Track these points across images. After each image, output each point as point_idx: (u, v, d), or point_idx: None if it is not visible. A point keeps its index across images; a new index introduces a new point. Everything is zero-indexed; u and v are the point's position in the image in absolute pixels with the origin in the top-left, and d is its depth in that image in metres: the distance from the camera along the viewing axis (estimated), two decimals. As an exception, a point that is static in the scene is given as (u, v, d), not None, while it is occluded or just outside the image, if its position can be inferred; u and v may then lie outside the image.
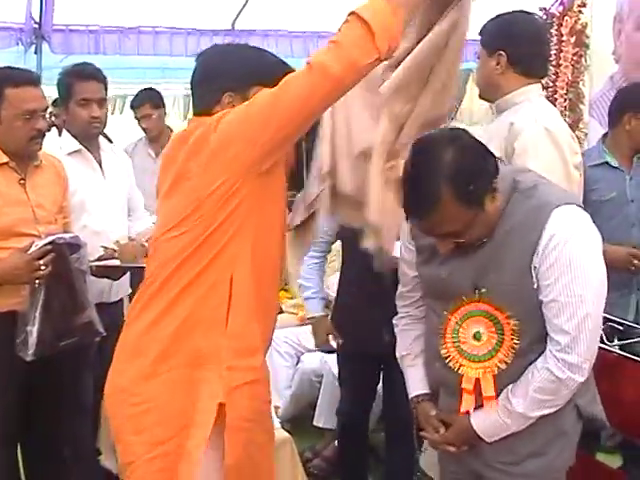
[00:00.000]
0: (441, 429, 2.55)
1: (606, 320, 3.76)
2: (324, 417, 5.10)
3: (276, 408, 4.96)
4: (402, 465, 4.17)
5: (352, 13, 2.29)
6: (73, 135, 3.94)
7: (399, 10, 2.28)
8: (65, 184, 3.61)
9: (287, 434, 3.97)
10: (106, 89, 4.00)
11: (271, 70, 2.51)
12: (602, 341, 3.64)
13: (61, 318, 3.24)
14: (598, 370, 3.14)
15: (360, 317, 3.99)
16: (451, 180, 2.24)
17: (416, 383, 2.70)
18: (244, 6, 7.78)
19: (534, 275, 2.33)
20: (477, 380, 2.44)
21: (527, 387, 2.38)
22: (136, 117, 6.53)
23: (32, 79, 3.40)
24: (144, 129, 6.49)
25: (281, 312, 6.01)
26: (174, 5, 7.40)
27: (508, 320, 2.38)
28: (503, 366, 2.41)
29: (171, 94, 16.39)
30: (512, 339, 2.39)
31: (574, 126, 8.72)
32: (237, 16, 7.90)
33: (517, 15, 3.36)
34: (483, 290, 2.39)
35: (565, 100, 8.76)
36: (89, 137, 3.95)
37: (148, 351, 2.41)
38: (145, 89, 6.59)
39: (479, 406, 2.46)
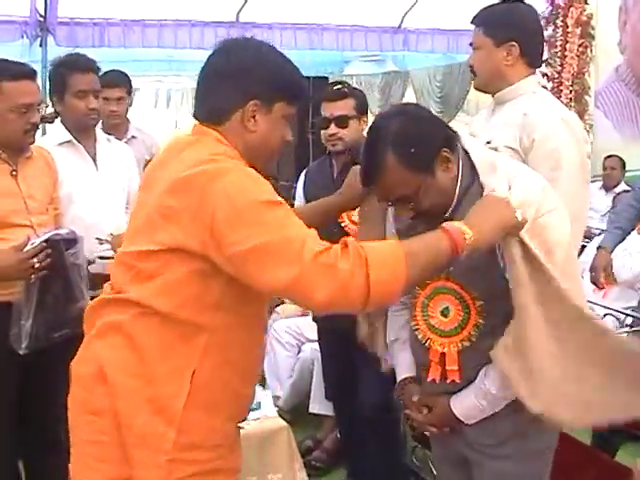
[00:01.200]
0: (424, 411, 2.59)
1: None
2: (318, 403, 5.13)
3: (276, 398, 4.99)
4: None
5: (363, 253, 2.03)
6: (66, 127, 3.94)
7: (413, 272, 2.09)
8: (55, 175, 3.62)
9: (284, 422, 3.99)
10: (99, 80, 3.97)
11: (299, 89, 2.38)
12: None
13: (54, 311, 3.26)
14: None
15: None
16: (393, 145, 2.30)
17: (403, 367, 2.73)
18: (248, -2, 7.83)
19: (499, 254, 2.36)
20: (443, 354, 2.51)
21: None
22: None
23: (29, 73, 3.39)
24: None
25: (282, 303, 6.04)
26: (178, -3, 7.46)
27: (474, 301, 2.43)
28: (467, 343, 2.46)
29: (180, 87, 16.50)
30: (477, 318, 2.44)
31: (580, 117, 8.71)
32: (241, 8, 7.93)
33: (520, 5, 3.35)
34: (451, 269, 2.42)
35: (571, 91, 8.77)
36: (85, 129, 3.95)
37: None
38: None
39: (458, 390, 2.50)
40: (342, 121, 4.02)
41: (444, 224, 2.18)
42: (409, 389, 2.67)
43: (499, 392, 2.42)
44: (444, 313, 2.48)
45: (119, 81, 5.34)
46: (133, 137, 5.46)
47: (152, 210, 2.21)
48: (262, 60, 2.30)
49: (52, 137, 3.69)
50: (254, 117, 2.27)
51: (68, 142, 3.88)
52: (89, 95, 3.81)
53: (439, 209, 2.42)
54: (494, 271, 2.37)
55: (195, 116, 2.36)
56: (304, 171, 4.49)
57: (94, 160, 3.97)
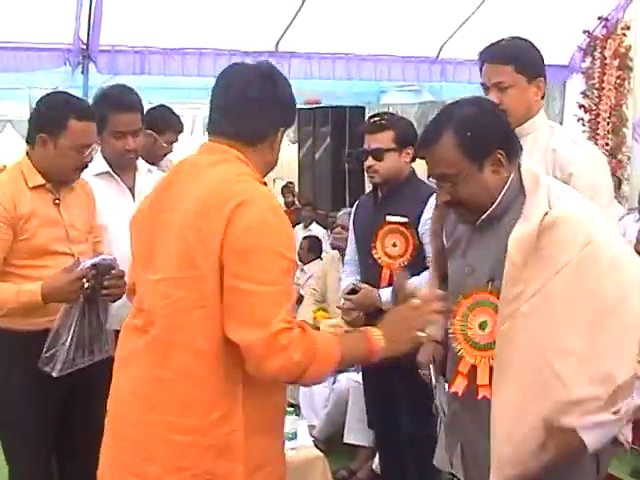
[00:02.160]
0: None
1: None
2: (353, 433, 5.12)
3: (311, 427, 4.99)
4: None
5: (313, 349, 2.24)
6: (105, 158, 3.92)
7: (339, 368, 2.40)
8: (93, 204, 3.64)
9: (319, 452, 4.00)
10: (142, 116, 3.92)
11: (293, 112, 2.58)
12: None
13: (89, 336, 3.30)
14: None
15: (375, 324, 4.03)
16: (454, 124, 2.45)
17: None
18: (288, 28, 7.87)
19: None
20: (473, 367, 2.50)
21: None
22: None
23: (92, 114, 3.44)
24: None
25: (318, 329, 6.04)
26: (218, 26, 7.50)
27: None
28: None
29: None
30: None
31: (617, 149, 8.68)
32: (280, 38, 7.98)
33: (526, 39, 3.41)
34: (495, 282, 2.44)
35: (608, 123, 8.73)
36: (123, 166, 3.91)
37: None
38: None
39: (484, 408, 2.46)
40: (377, 154, 4.07)
41: (367, 330, 2.40)
42: None
43: None
44: (482, 326, 2.48)
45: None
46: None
47: (185, 233, 2.30)
48: (284, 86, 2.51)
49: (90, 167, 3.66)
50: (276, 140, 2.51)
51: (106, 173, 3.86)
52: (127, 136, 3.77)
53: (475, 207, 2.50)
54: None
55: (218, 132, 2.47)
56: (358, 200, 4.55)
57: (132, 191, 3.93)
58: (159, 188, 2.55)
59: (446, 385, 2.72)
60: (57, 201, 3.43)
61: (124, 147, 3.77)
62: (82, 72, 7.31)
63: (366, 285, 4.11)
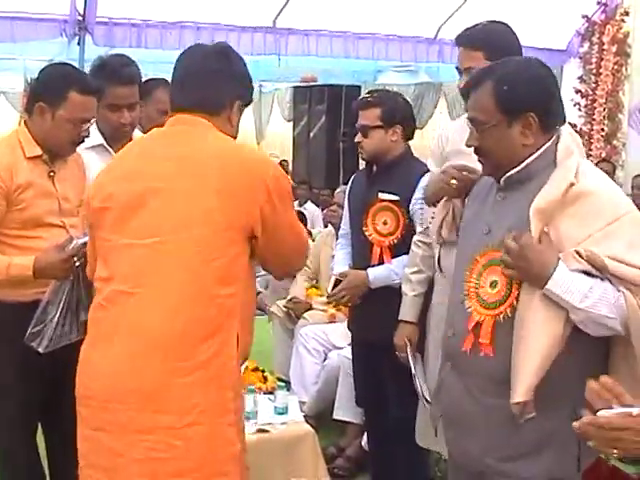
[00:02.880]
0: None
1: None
2: (343, 409, 5.13)
3: (301, 403, 5.00)
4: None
5: None
6: (100, 131, 3.87)
7: None
8: (85, 178, 3.62)
9: (309, 427, 4.00)
10: (140, 89, 3.83)
11: (249, 88, 2.79)
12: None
13: (77, 313, 3.30)
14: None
15: (367, 305, 4.08)
16: (497, 75, 2.50)
17: None
18: (286, 4, 7.85)
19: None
20: (477, 324, 2.50)
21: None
22: None
23: (95, 89, 3.39)
24: None
25: (310, 309, 6.05)
26: (216, 1, 7.47)
27: (519, 280, 2.42)
28: (501, 319, 2.44)
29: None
30: (514, 298, 2.42)
31: (612, 135, 8.69)
32: (278, 14, 7.96)
33: (505, 24, 3.44)
34: None
35: (604, 109, 8.74)
36: (118, 139, 3.88)
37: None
38: None
39: (491, 367, 2.47)
40: (364, 130, 4.09)
41: None
42: None
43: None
44: (493, 285, 2.48)
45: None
46: None
47: (200, 195, 2.50)
48: (241, 62, 2.73)
49: (86, 139, 3.62)
50: (236, 113, 2.71)
51: (99, 146, 3.79)
52: (123, 109, 3.73)
53: (496, 161, 2.55)
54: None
55: (179, 105, 2.67)
56: (354, 174, 4.57)
57: None
58: (131, 159, 2.71)
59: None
60: (52, 173, 3.41)
61: (119, 120, 3.73)
62: (78, 44, 7.28)
63: (351, 271, 4.15)
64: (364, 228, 4.03)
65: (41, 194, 3.35)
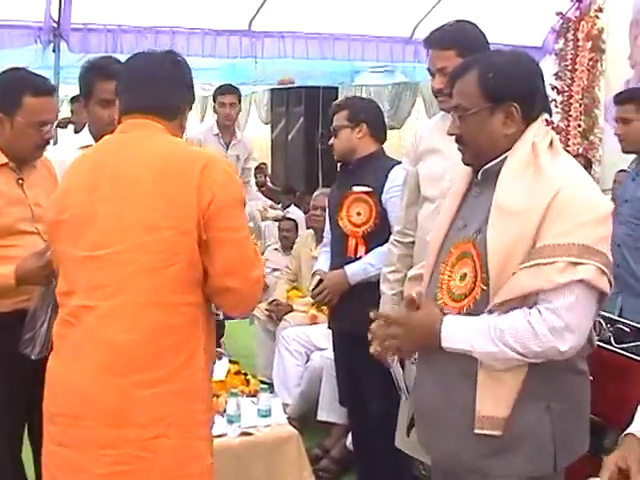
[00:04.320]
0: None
1: (614, 322, 3.79)
2: (326, 410, 5.14)
3: (285, 405, 4.99)
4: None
5: None
6: (91, 132, 3.86)
7: None
8: (56, 181, 3.59)
9: (293, 430, 4.00)
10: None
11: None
12: (609, 342, 3.66)
13: None
14: (607, 372, 3.16)
15: (348, 298, 4.12)
16: (482, 64, 2.54)
17: None
18: (261, 7, 7.84)
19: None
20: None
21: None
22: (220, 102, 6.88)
23: (50, 89, 3.38)
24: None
25: (291, 311, 6.06)
26: (191, 5, 7.45)
27: (482, 273, 2.42)
28: (464, 311, 2.46)
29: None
30: (476, 292, 2.43)
31: (589, 131, 8.74)
32: (254, 17, 7.95)
33: (472, 23, 3.49)
34: (480, 236, 2.46)
35: (580, 105, 8.78)
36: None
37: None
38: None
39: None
40: (334, 131, 4.28)
41: None
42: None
43: (497, 326, 2.37)
44: (462, 277, 2.49)
45: (232, 89, 6.88)
46: (240, 139, 7.01)
47: (144, 200, 2.46)
48: (188, 70, 2.75)
49: (75, 140, 3.60)
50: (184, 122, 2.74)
51: (89, 147, 3.82)
52: (112, 105, 3.71)
53: (476, 150, 2.56)
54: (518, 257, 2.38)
55: (134, 109, 2.67)
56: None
57: None
58: (84, 170, 2.66)
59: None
60: (20, 181, 3.38)
61: (110, 116, 3.71)
62: (53, 50, 7.25)
63: (328, 272, 4.21)
64: (339, 221, 4.12)
65: (11, 202, 3.31)
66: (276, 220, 8.26)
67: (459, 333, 2.43)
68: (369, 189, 4.10)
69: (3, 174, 3.34)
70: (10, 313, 3.25)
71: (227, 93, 6.85)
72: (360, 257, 4.08)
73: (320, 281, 4.21)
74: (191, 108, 2.79)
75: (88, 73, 3.72)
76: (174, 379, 2.44)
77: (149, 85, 2.66)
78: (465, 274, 2.47)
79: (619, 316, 4.18)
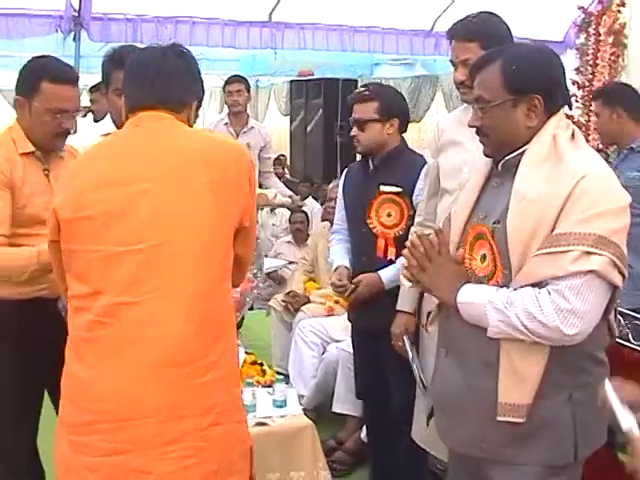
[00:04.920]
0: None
1: (633, 318, 3.77)
2: (341, 402, 5.14)
3: (300, 397, 5.00)
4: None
5: None
6: (113, 119, 3.87)
7: None
8: None
9: (308, 420, 4.00)
10: None
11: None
12: (628, 339, 3.65)
13: None
14: (625, 368, 3.14)
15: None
16: (506, 56, 2.53)
17: None
18: (281, -2, 7.84)
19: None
20: None
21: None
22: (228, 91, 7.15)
23: (71, 78, 3.35)
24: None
25: (308, 302, 6.05)
26: (212, -4, 7.47)
27: (503, 261, 2.44)
28: None
29: (208, 86, 16.58)
30: (499, 276, 2.46)
31: (610, 126, 8.68)
32: (274, 8, 7.94)
33: (496, 14, 3.47)
34: (499, 226, 2.47)
35: (601, 100, 8.71)
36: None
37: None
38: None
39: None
40: (360, 124, 4.10)
41: None
42: None
43: (519, 306, 2.39)
44: (482, 259, 2.51)
45: (238, 78, 7.14)
46: (252, 127, 7.13)
47: (191, 192, 2.45)
48: (198, 68, 2.72)
49: (96, 129, 3.60)
50: (192, 113, 2.70)
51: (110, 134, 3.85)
52: None
53: (497, 142, 2.56)
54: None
55: (143, 105, 2.60)
56: (347, 168, 4.54)
57: None
58: (102, 166, 2.54)
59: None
60: (46, 171, 3.39)
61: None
62: (74, 39, 7.27)
63: (364, 276, 4.09)
64: (368, 221, 4.02)
65: (37, 192, 3.32)
66: (288, 208, 8.04)
67: (477, 292, 2.47)
68: (399, 189, 4.00)
69: (30, 163, 3.35)
70: (29, 301, 3.27)
71: (234, 82, 7.08)
72: (390, 259, 3.99)
73: (355, 287, 4.13)
74: (201, 100, 2.75)
75: (108, 62, 3.72)
76: (219, 366, 2.44)
77: (153, 80, 2.59)
78: (485, 255, 2.50)
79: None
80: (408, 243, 2.64)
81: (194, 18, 7.66)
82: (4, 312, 3.31)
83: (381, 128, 4.07)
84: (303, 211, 7.79)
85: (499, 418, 2.45)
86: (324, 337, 5.59)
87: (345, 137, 11.10)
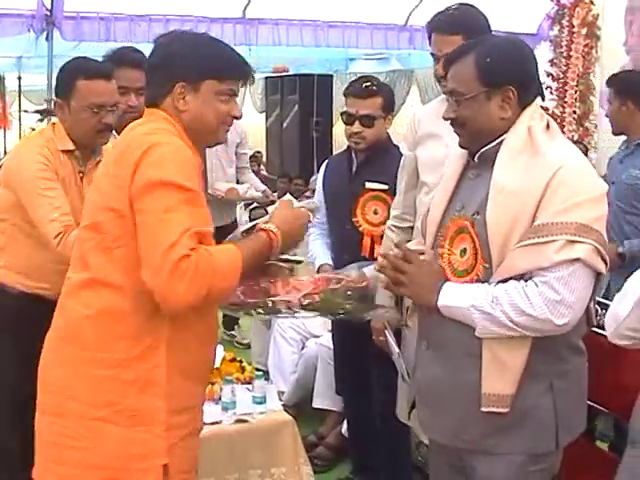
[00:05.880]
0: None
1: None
2: (322, 398, 5.14)
3: (280, 393, 4.99)
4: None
5: (210, 267, 2.28)
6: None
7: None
8: None
9: (289, 416, 3.99)
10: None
11: (226, 65, 2.54)
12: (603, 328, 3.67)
13: None
14: (601, 356, 3.16)
15: None
16: (480, 49, 2.53)
17: None
18: (255, -6, 7.82)
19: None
20: None
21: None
22: None
23: (104, 72, 3.41)
24: None
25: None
26: (185, -8, 7.45)
27: (482, 251, 2.44)
28: None
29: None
30: (479, 270, 2.46)
31: (584, 117, 8.72)
32: (247, 4, 7.93)
33: (475, 7, 3.46)
34: (477, 217, 2.48)
35: (576, 92, 8.76)
36: (125, 125, 3.89)
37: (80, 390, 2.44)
38: None
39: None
40: (368, 120, 4.01)
41: (263, 226, 2.54)
42: None
43: (505, 303, 2.39)
44: (462, 253, 2.51)
45: None
46: None
47: (101, 182, 2.48)
48: (184, 46, 2.54)
49: None
50: (184, 98, 2.51)
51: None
52: (130, 92, 3.75)
53: (473, 133, 2.56)
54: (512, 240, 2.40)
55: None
56: (325, 161, 4.48)
57: None
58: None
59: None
60: (81, 173, 3.43)
61: (127, 103, 3.75)
62: (46, 39, 7.23)
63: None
64: (354, 219, 3.99)
65: (70, 191, 3.37)
66: (259, 203, 7.85)
67: (458, 294, 2.47)
68: (385, 186, 3.97)
69: (69, 162, 3.41)
70: (30, 295, 3.35)
71: None
72: (376, 258, 3.96)
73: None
74: (196, 78, 2.50)
75: (108, 62, 3.81)
76: (128, 368, 2.39)
77: (146, 70, 2.65)
78: (465, 249, 2.50)
79: (606, 293, 4.22)
80: (376, 266, 2.68)
81: (168, 16, 7.63)
82: (4, 301, 3.40)
83: (383, 124, 4.05)
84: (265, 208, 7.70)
85: (483, 409, 2.46)
86: (303, 333, 5.59)
87: (321, 132, 11.17)
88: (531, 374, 2.46)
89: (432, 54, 3.37)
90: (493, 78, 2.49)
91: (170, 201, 2.29)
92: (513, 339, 2.43)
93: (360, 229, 4.00)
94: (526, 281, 2.39)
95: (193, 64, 2.50)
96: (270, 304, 2.73)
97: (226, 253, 2.37)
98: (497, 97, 2.50)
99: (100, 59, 3.73)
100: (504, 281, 2.41)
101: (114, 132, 3.84)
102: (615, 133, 5.07)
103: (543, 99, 2.67)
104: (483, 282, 2.45)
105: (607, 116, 5.04)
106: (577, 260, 2.35)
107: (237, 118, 2.62)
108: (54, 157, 3.37)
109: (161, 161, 2.34)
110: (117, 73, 3.67)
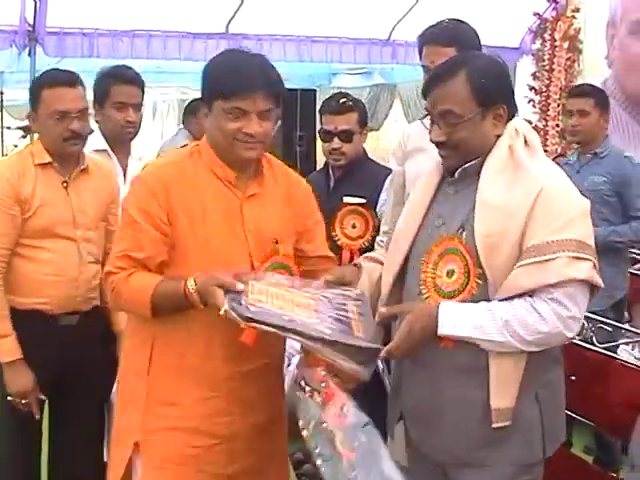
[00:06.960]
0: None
1: (596, 322, 3.80)
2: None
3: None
4: None
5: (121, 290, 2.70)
6: (104, 136, 3.92)
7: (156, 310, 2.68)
8: (114, 192, 3.62)
9: (276, 434, 3.95)
10: (143, 94, 4.01)
11: (229, 84, 2.61)
12: (592, 342, 3.68)
13: None
14: (588, 371, 3.17)
15: None
16: (471, 67, 2.52)
17: None
18: (238, 9, 7.81)
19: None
20: None
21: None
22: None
23: (67, 80, 3.41)
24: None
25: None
26: (168, 8, 7.42)
27: (474, 267, 2.43)
28: None
29: (167, 99, 16.47)
30: (472, 287, 2.45)
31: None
32: (231, 19, 7.91)
33: (466, 22, 3.48)
34: (466, 232, 2.48)
35: (558, 105, 8.79)
36: (121, 141, 3.94)
37: None
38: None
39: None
40: (347, 136, 4.06)
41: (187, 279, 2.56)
42: None
43: (517, 326, 2.39)
44: (449, 274, 2.50)
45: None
46: None
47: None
48: (206, 68, 2.71)
49: (89, 143, 3.64)
50: (206, 118, 2.71)
51: (103, 151, 3.88)
52: (128, 107, 3.80)
53: (465, 153, 2.55)
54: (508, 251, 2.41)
55: None
56: (306, 179, 4.48)
57: (124, 173, 3.96)
58: None
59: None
60: (65, 183, 3.40)
61: (125, 118, 3.82)
62: (29, 54, 7.19)
63: None
64: (333, 233, 3.99)
65: (50, 203, 3.36)
66: None
67: (460, 320, 2.43)
68: (363, 200, 3.98)
69: (47, 174, 3.39)
70: (24, 312, 3.34)
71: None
72: None
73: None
74: (223, 97, 2.62)
75: (104, 77, 3.91)
76: (131, 357, 2.84)
77: None
78: (453, 271, 2.48)
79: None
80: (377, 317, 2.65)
81: (151, 31, 7.61)
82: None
83: (359, 138, 4.07)
84: None
85: (495, 425, 2.46)
86: (289, 349, 5.53)
87: (305, 147, 11.16)
88: (522, 385, 2.48)
89: (423, 66, 3.37)
90: (487, 98, 2.51)
91: (122, 223, 2.77)
92: (517, 353, 2.45)
93: (339, 243, 3.99)
94: (533, 298, 2.40)
95: (206, 85, 2.69)
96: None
97: (142, 282, 2.62)
98: (490, 116, 2.52)
99: (82, 75, 3.72)
100: (506, 299, 2.42)
101: (111, 151, 3.87)
102: (578, 142, 5.22)
103: (517, 113, 2.69)
104: (478, 300, 2.44)
105: (573, 125, 5.16)
106: (584, 279, 2.40)
107: (252, 136, 2.63)
108: (21, 178, 3.33)
109: (130, 190, 2.78)
110: (114, 89, 3.81)
